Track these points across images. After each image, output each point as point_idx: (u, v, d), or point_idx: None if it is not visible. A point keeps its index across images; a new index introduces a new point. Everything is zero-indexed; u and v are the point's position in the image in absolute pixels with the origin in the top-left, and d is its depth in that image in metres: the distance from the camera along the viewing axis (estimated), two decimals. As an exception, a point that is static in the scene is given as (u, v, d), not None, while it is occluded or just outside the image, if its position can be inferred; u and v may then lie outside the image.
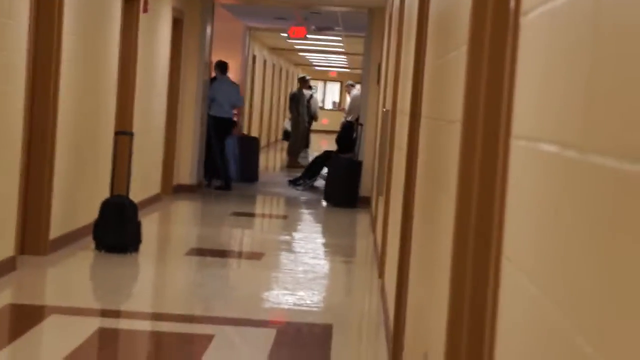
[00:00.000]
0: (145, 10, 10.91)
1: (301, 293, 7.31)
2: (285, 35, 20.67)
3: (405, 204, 5.53)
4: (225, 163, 14.31)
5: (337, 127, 22.03)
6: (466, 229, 2.82)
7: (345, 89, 19.67)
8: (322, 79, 43.32)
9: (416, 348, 4.11)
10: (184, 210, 12.46)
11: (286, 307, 6.80)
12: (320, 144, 31.59)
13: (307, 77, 22.29)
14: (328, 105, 42.82)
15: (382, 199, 9.02)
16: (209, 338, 5.75)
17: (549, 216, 1.71)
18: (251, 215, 12.67)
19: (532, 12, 1.98)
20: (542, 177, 1.77)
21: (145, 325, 6.09)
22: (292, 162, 20.27)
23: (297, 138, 20.86)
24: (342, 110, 30.87)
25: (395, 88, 7.96)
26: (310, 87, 22.67)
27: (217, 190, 14.14)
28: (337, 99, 43.73)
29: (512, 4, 2.17)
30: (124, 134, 9.20)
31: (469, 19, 2.94)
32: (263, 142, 24.47)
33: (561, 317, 1.60)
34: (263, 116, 25.80)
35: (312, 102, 22.34)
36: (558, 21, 1.72)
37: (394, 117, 7.98)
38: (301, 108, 21.08)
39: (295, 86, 40.06)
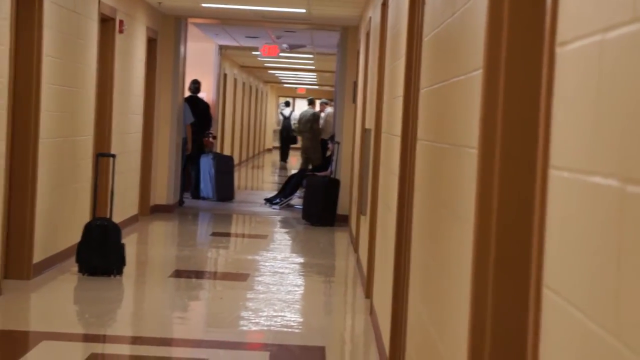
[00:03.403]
0: (121, 31, 10.88)
1: (289, 314, 7.28)
2: (257, 53, 20.67)
3: (400, 225, 5.52)
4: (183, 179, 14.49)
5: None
6: (487, 257, 2.81)
7: (320, 107, 19.54)
8: (290, 96, 43.40)
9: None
10: (163, 231, 12.39)
11: (276, 329, 6.76)
12: (291, 161, 31.61)
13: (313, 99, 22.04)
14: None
15: (365, 218, 9.01)
16: (203, 363, 5.71)
17: (605, 249, 1.70)
18: (231, 235, 12.62)
19: (574, 43, 1.98)
20: (597, 210, 1.76)
21: (138, 350, 6.03)
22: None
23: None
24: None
25: (379, 107, 7.96)
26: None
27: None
28: (305, 116, 43.72)
29: (547, 35, 2.17)
30: (105, 156, 9.14)
31: (483, 43, 2.93)
32: (236, 160, 24.44)
33: (615, 348, 1.59)
34: (235, 134, 25.78)
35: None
36: (615, 52, 1.72)
37: (377, 137, 7.97)
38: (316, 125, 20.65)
39: (264, 104, 40.13)
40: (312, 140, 19.34)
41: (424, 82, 4.74)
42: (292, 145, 32.25)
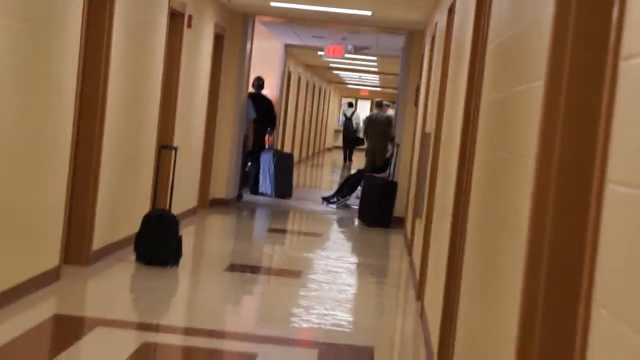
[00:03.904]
0: (189, 26, 10.94)
1: (340, 313, 7.26)
2: (322, 53, 20.66)
3: (454, 231, 5.48)
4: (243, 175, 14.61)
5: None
6: (538, 270, 2.77)
7: (382, 109, 19.35)
8: (353, 97, 43.39)
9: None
10: (221, 225, 12.44)
11: (326, 327, 6.75)
12: (354, 161, 31.57)
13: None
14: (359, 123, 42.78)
15: (420, 222, 8.96)
16: (252, 357, 5.72)
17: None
18: (287, 232, 12.63)
19: (638, 58, 1.94)
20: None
21: (189, 341, 6.06)
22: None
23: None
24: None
25: (440, 112, 7.91)
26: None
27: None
28: (368, 117, 43.69)
29: (611, 49, 2.13)
30: (168, 149, 9.20)
31: (547, 53, 2.89)
32: (296, 158, 24.48)
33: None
34: (296, 132, 25.82)
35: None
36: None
37: (437, 141, 7.93)
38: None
39: (327, 103, 40.13)
40: (381, 143, 18.86)
41: (486, 90, 4.70)
42: (357, 147, 32.02)
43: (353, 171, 19.29)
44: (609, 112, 2.11)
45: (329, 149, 42.20)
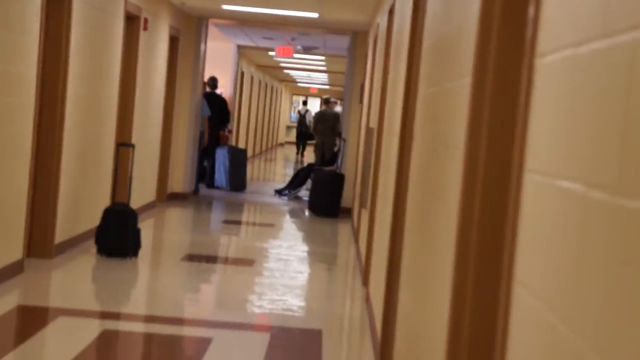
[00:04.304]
0: (145, 29, 10.89)
1: (291, 299, 7.30)
2: (273, 53, 20.67)
3: (395, 219, 5.53)
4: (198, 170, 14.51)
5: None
6: (467, 252, 2.82)
7: (330, 105, 19.39)
8: (303, 94, 43.42)
9: None
10: (178, 217, 12.41)
11: (277, 312, 6.79)
12: (306, 155, 31.60)
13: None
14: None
15: (365, 211, 9.02)
16: (208, 341, 5.73)
17: (566, 248, 1.71)
18: (241, 223, 12.64)
19: (551, 56, 1.99)
20: (562, 212, 1.77)
21: (147, 328, 6.06)
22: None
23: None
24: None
25: (382, 108, 7.97)
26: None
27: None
28: (317, 114, 43.72)
29: (527, 46, 2.18)
30: (126, 146, 9.16)
31: (473, 52, 2.94)
32: (250, 153, 24.48)
33: (577, 343, 1.60)
34: (250, 128, 25.80)
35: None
36: (585, 66, 1.73)
37: (380, 136, 7.98)
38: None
39: (279, 101, 40.10)
40: (330, 138, 18.91)
41: (422, 86, 4.75)
42: (309, 142, 32.61)
43: (304, 165, 19.31)
44: (526, 106, 2.16)
45: (281, 144, 42.19)
